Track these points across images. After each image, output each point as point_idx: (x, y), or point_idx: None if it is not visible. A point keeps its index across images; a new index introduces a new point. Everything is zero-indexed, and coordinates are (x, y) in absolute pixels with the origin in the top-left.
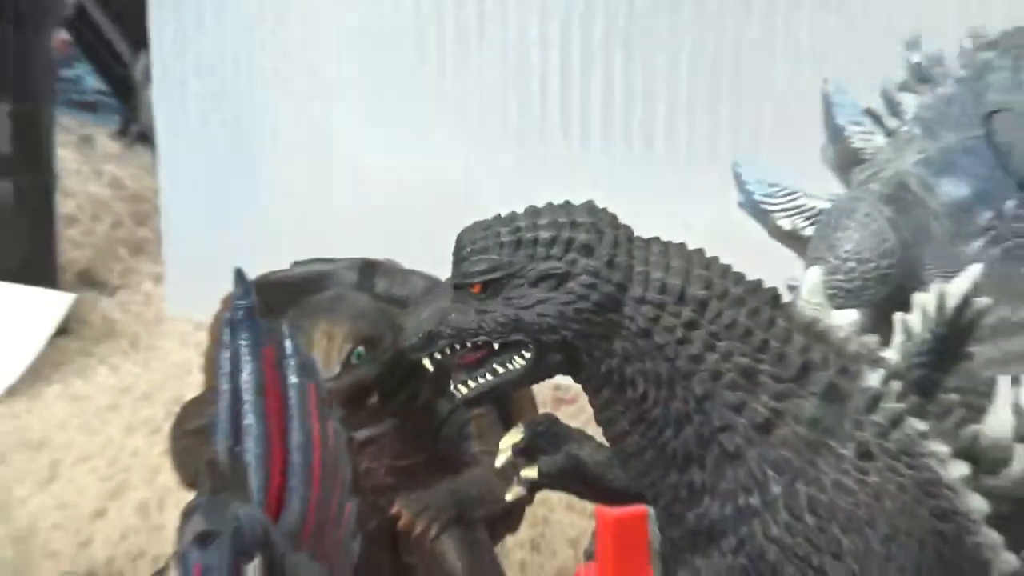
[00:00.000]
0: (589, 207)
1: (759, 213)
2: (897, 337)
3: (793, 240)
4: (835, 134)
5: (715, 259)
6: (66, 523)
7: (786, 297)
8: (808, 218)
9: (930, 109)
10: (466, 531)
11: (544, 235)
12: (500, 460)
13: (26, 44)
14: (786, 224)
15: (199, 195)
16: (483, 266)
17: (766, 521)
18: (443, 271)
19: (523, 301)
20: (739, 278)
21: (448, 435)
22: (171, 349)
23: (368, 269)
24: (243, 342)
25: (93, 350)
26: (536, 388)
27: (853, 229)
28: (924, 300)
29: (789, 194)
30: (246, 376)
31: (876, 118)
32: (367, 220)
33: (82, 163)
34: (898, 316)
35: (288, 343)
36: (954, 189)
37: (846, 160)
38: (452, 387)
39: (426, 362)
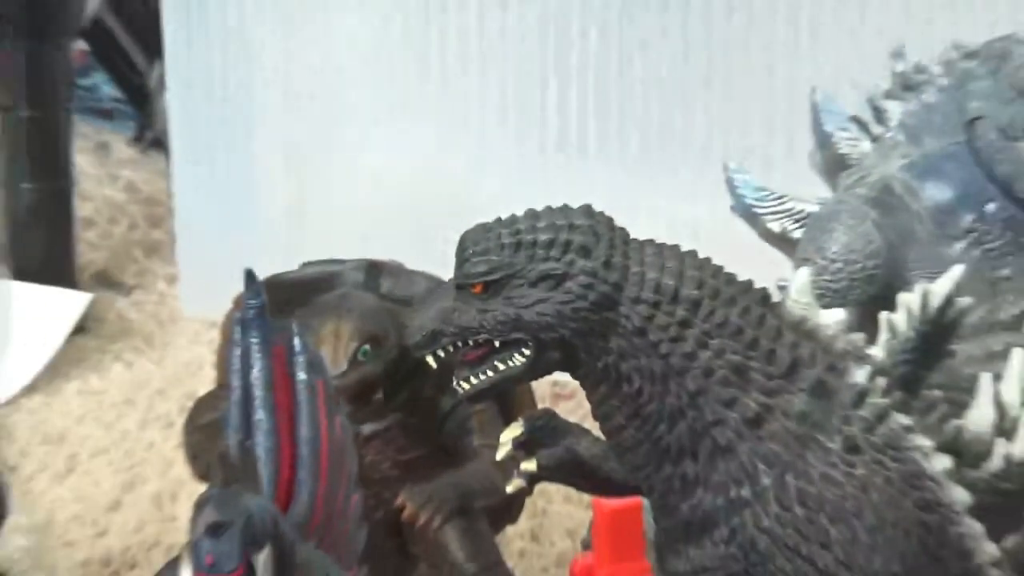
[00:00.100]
0: (586, 210)
1: (750, 216)
2: (882, 335)
3: (783, 242)
4: (823, 140)
5: (708, 260)
6: (83, 514)
7: (776, 297)
8: (797, 221)
9: (914, 116)
10: (468, 521)
11: (543, 237)
12: (501, 453)
13: (45, 55)
14: (776, 227)
15: (211, 199)
16: (484, 267)
17: (757, 512)
18: (446, 272)
19: (523, 301)
20: (731, 278)
21: (450, 429)
22: (184, 347)
23: (374, 270)
24: (254, 340)
25: (109, 348)
26: (535, 384)
27: (840, 231)
28: (908, 300)
29: (779, 198)
30: (256, 373)
31: (862, 125)
32: (373, 223)
33: (99, 168)
34: (883, 315)
35: (297, 341)
36: (937, 193)
37: (833, 165)
38: (454, 383)
39: (429, 359)
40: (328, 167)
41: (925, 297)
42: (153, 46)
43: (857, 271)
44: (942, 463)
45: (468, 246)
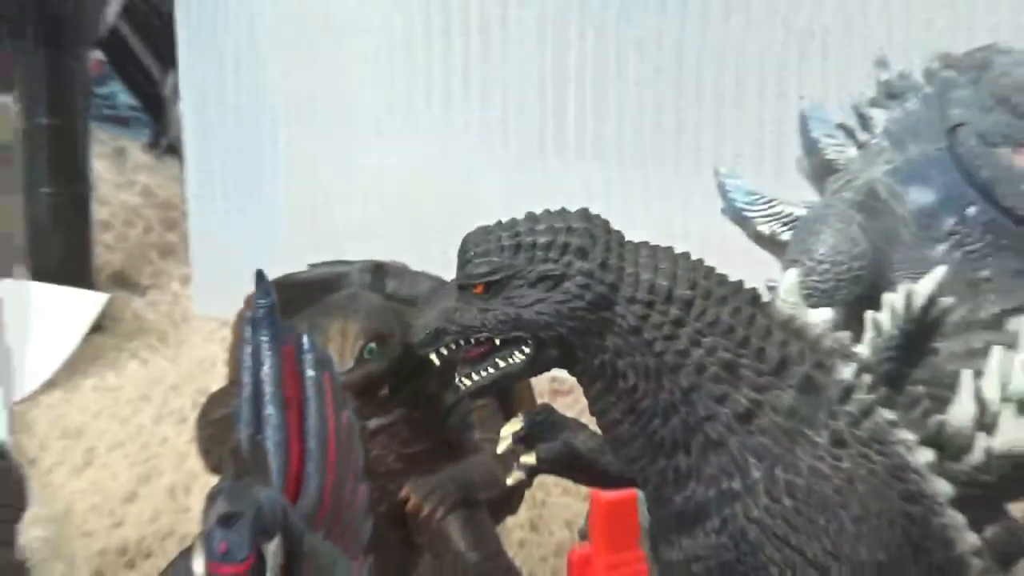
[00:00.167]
0: (583, 213)
1: (741, 219)
2: (868, 334)
3: (772, 244)
4: (810, 147)
5: (700, 261)
6: (101, 505)
7: (766, 297)
8: (785, 224)
9: (898, 123)
10: (470, 512)
11: (542, 239)
12: (501, 447)
13: (64, 65)
14: (765, 229)
15: (223, 202)
16: (485, 268)
17: (747, 503)
18: (448, 273)
19: (523, 300)
20: (722, 279)
21: (453, 424)
22: (197, 345)
23: (379, 271)
24: (264, 338)
25: (125, 346)
26: (534, 381)
27: (827, 234)
28: (893, 299)
29: (768, 202)
30: (266, 370)
31: (848, 132)
32: (378, 226)
33: (116, 173)
34: (869, 314)
35: (305, 339)
36: (920, 197)
37: (821, 170)
38: (457, 380)
39: (433, 357)
40: (335, 172)
41: (909, 297)
42: (167, 56)
43: (843, 272)
44: (925, 456)
45: (470, 248)
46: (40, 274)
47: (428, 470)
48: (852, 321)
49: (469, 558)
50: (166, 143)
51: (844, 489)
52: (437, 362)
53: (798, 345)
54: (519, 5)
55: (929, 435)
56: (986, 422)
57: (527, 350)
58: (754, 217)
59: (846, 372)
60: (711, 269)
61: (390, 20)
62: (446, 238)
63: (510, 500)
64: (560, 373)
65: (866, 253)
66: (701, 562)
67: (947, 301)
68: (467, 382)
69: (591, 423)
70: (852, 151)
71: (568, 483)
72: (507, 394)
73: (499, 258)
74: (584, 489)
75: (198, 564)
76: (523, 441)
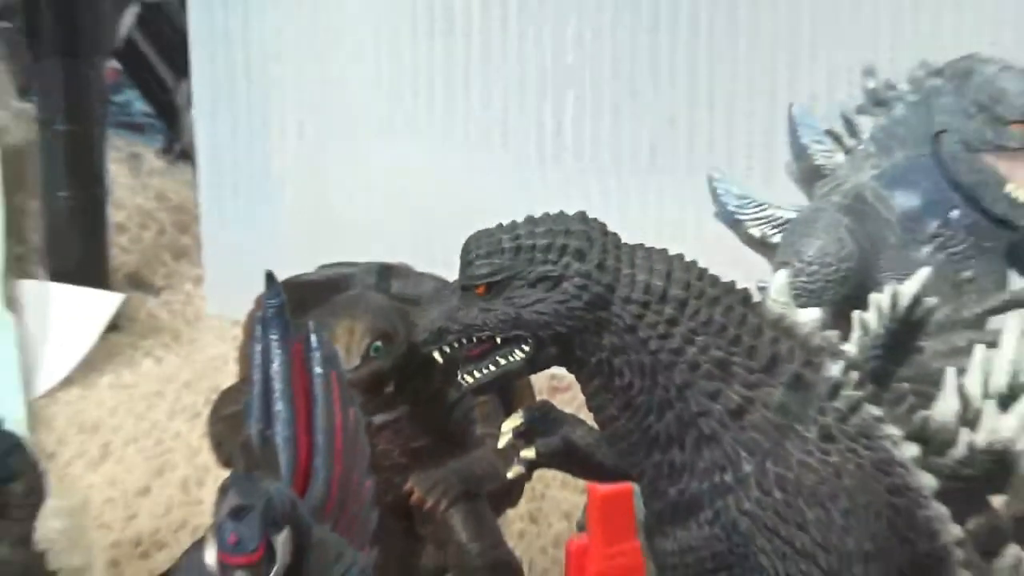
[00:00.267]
0: (581, 217)
1: (732, 222)
2: (855, 332)
3: (763, 246)
4: (799, 152)
5: (693, 263)
6: (116, 498)
7: (757, 297)
8: (776, 227)
9: (884, 130)
10: (472, 505)
11: (541, 242)
12: (502, 442)
13: (81, 73)
14: (756, 232)
15: (234, 206)
16: (487, 269)
17: (739, 496)
18: (451, 274)
19: (523, 300)
20: (715, 280)
21: (456, 419)
22: (209, 343)
23: (385, 272)
24: (273, 337)
25: (140, 344)
26: (534, 378)
27: (816, 236)
28: (879, 299)
29: (759, 205)
30: (276, 367)
31: (836, 138)
32: (384, 228)
33: (131, 178)
34: (856, 314)
35: (313, 337)
36: (905, 201)
37: (809, 175)
38: (459, 377)
39: (436, 355)
40: (341, 177)
41: (895, 297)
42: (181, 65)
43: (832, 273)
44: (910, 451)
45: (472, 250)
46: (57, 275)
47: (431, 464)
48: (840, 320)
49: (471, 549)
50: (179, 149)
51: (832, 482)
52: (440, 360)
53: (788, 343)
54: (519, 14)
55: (914, 430)
56: (969, 418)
57: (527, 348)
58: (745, 220)
59: (834, 369)
60: (704, 270)
61: (395, 31)
62: (449, 240)
63: (510, 493)
64: (559, 371)
65: (853, 255)
66: (694, 552)
67: (931, 301)
68: (469, 379)
69: (588, 419)
70: (840, 156)
71: (566, 476)
72: (508, 391)
73: (500, 260)
74: (581, 482)
75: (210, 555)
76: (523, 436)
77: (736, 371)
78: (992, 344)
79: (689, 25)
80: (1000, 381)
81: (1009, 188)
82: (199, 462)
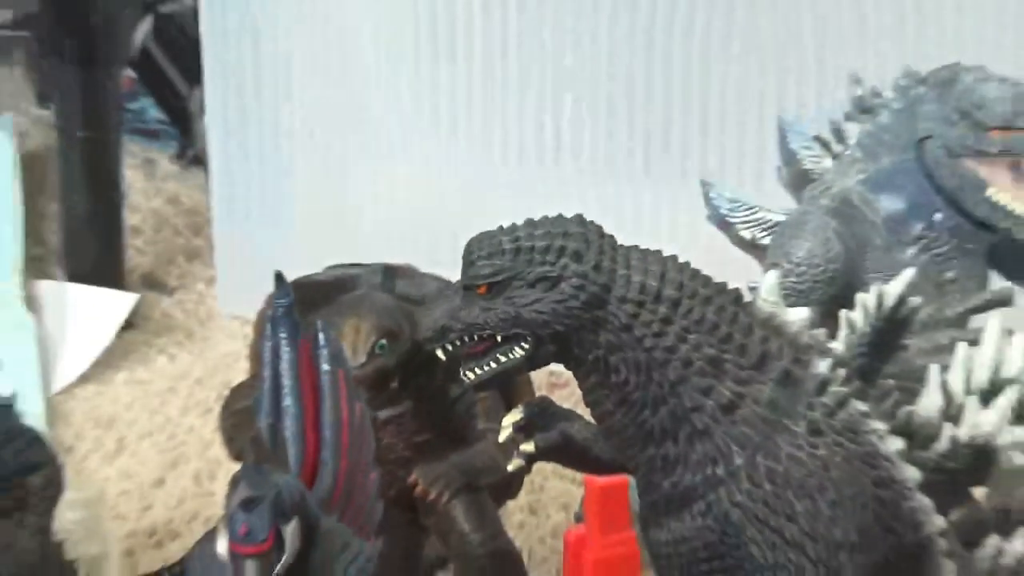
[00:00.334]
0: (579, 219)
1: (724, 225)
2: (842, 331)
3: (753, 248)
4: (789, 157)
5: (687, 264)
6: (131, 490)
7: (747, 297)
8: (766, 229)
9: (870, 136)
10: (473, 496)
11: (540, 244)
12: (502, 436)
13: (98, 82)
14: (747, 235)
15: (245, 209)
16: (488, 270)
17: (730, 488)
18: (454, 274)
19: (522, 300)
20: (707, 280)
21: (458, 414)
22: (221, 341)
23: (390, 272)
24: (283, 335)
25: (154, 342)
26: (533, 374)
27: (804, 238)
28: (865, 299)
29: (749, 209)
30: (285, 364)
31: (824, 144)
32: (389, 231)
33: (145, 182)
34: (843, 313)
35: (321, 336)
36: (891, 204)
37: (798, 179)
38: (461, 373)
39: (439, 352)
40: (348, 182)
41: (880, 297)
42: (193, 74)
43: (820, 274)
44: (895, 444)
45: (474, 251)
46: (75, 276)
47: (435, 457)
48: (827, 319)
49: (472, 539)
50: (192, 154)
51: (820, 475)
52: (443, 357)
53: (778, 341)
54: (519, 31)
55: (899, 425)
56: (952, 413)
57: (526, 346)
58: (737, 223)
59: (822, 366)
60: (697, 271)
61: (401, 39)
62: (452, 242)
63: (510, 485)
64: (557, 367)
65: (840, 256)
66: (687, 542)
67: (915, 301)
68: (471, 376)
69: (586, 414)
70: (828, 161)
71: (564, 469)
72: (508, 387)
73: (500, 261)
74: (579, 475)
75: (221, 544)
76: (523, 430)
77: (728, 368)
78: (974, 342)
79: (682, 37)
80: (981, 377)
81: (990, 192)
82: (211, 455)
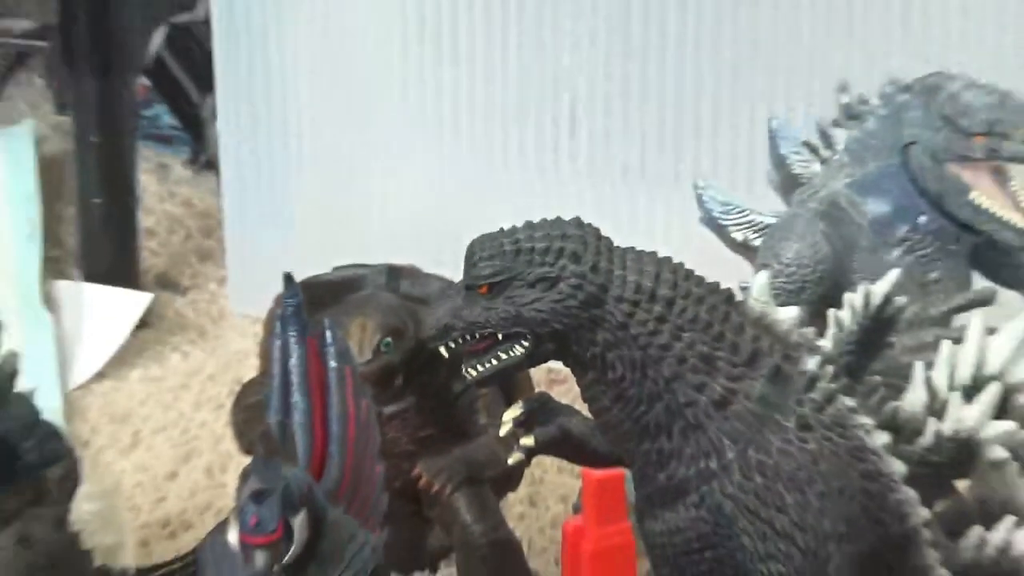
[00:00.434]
0: (577, 222)
1: (717, 227)
2: (830, 329)
3: (745, 250)
4: (779, 162)
5: (680, 264)
6: (145, 482)
7: (739, 296)
8: (757, 231)
9: (857, 141)
10: (475, 489)
11: (539, 245)
12: (503, 431)
13: (114, 90)
14: (739, 236)
15: (255, 212)
16: (489, 271)
17: (723, 481)
18: (456, 275)
19: (522, 299)
20: (700, 280)
21: (460, 410)
22: (232, 339)
23: (394, 273)
24: (292, 333)
25: (168, 340)
26: (533, 371)
27: (794, 240)
28: (853, 299)
29: (741, 211)
30: (294, 361)
31: (813, 149)
32: (394, 233)
33: (159, 186)
34: (831, 312)
35: (328, 334)
36: (877, 207)
37: (788, 183)
38: (463, 370)
39: (442, 350)
40: (355, 185)
41: (867, 297)
42: (206, 82)
43: (808, 274)
44: (882, 439)
45: (475, 252)
46: (91, 276)
47: (438, 451)
48: (816, 318)
49: (474, 529)
50: (204, 159)
51: (809, 468)
52: (446, 355)
53: (768, 339)
54: (519, 42)
55: (885, 420)
56: (936, 408)
57: (526, 344)
58: (729, 225)
59: (811, 363)
60: (690, 271)
61: (404, 45)
62: (454, 244)
63: (511, 478)
64: (556, 365)
65: (828, 257)
66: (681, 533)
67: (901, 300)
68: (472, 372)
69: (583, 409)
70: (816, 166)
71: (563, 462)
72: (508, 383)
73: (501, 262)
74: (577, 468)
75: (232, 535)
76: (523, 425)
77: (720, 365)
78: (957, 340)
79: (677, 43)
80: (965, 374)
81: (972, 195)
82: (222, 449)
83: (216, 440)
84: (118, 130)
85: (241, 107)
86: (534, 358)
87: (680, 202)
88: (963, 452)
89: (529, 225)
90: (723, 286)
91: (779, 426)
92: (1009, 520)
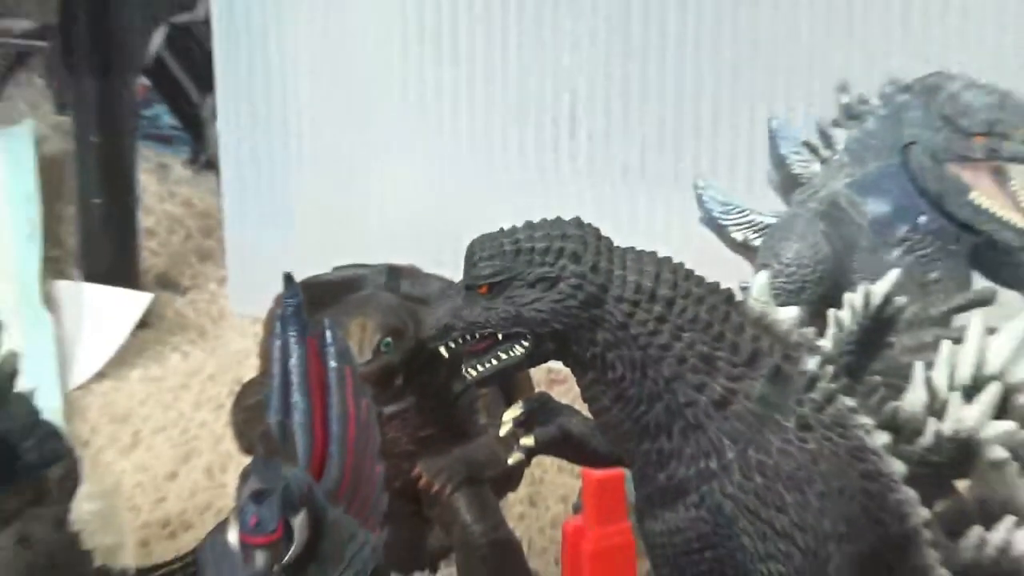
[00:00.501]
0: (577, 222)
1: (717, 227)
2: (830, 329)
3: (745, 250)
4: (779, 162)
5: (680, 264)
6: (146, 482)
7: (739, 296)
8: (757, 231)
9: (857, 141)
10: (475, 489)
11: (539, 245)
12: (503, 431)
13: (114, 90)
14: (739, 236)
15: (256, 212)
16: (489, 271)
17: (723, 481)
18: (457, 275)
19: (522, 299)
20: (700, 280)
21: (460, 410)
22: (232, 339)
23: (394, 273)
24: (292, 333)
25: (168, 340)
26: (533, 371)
27: (794, 240)
28: (852, 299)
29: (741, 211)
30: (294, 361)
31: (813, 149)
32: (394, 233)
33: (159, 186)
34: (831, 312)
35: (328, 334)
36: (877, 207)
37: (788, 183)
38: (464, 370)
39: (442, 350)
40: (355, 186)
41: (867, 297)
42: (206, 82)
43: (808, 274)
44: (882, 439)
45: (476, 253)
46: (91, 276)
47: (438, 451)
48: (816, 318)
49: (474, 529)
50: (204, 159)
51: (809, 468)
52: (446, 355)
53: (768, 339)
54: (519, 47)
55: (885, 420)
56: (936, 408)
57: (526, 344)
58: (729, 225)
59: (811, 363)
60: (690, 271)
61: (404, 45)
62: (454, 244)
63: (511, 478)
64: (556, 364)
65: (828, 257)
66: (681, 533)
67: (901, 300)
68: (473, 372)
69: (583, 409)
70: (816, 166)
71: (563, 462)
72: (508, 383)
73: (501, 262)
74: (577, 468)
75: (232, 535)
76: (523, 425)
77: (720, 365)
78: (957, 340)
79: (677, 43)
80: (964, 374)
81: (972, 195)
82: (223, 449)
83: (216, 440)
84: (118, 130)
85: (241, 107)
86: (534, 358)
87: (680, 202)
88: (963, 452)
89: (529, 225)
90: (723, 286)
91: (779, 426)
92: (1009, 520)
